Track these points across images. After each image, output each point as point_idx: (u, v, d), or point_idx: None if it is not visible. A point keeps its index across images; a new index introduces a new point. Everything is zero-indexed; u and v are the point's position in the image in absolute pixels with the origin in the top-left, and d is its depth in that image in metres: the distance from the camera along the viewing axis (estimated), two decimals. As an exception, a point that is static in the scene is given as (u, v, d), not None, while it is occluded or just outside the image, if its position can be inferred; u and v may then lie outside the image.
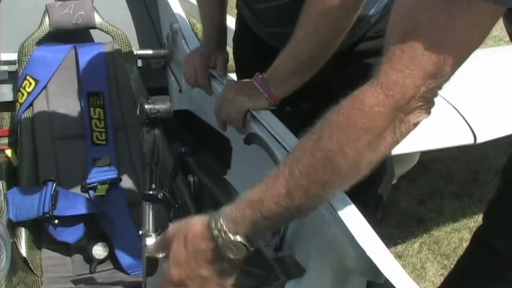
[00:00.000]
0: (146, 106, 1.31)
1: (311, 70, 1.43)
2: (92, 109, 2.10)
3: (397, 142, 0.94)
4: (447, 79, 0.91)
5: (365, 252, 1.06)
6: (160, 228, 1.44)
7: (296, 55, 1.41)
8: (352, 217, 1.15)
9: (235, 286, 1.09)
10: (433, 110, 2.26)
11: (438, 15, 0.85)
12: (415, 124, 0.93)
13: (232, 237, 0.99)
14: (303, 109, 1.72)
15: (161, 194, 1.39)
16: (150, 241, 1.41)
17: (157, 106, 1.32)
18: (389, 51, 0.89)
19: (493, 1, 0.82)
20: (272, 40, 1.65)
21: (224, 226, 0.99)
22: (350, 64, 1.61)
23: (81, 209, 1.85)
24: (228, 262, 1.03)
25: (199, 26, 3.97)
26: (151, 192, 1.39)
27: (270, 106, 1.49)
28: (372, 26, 1.60)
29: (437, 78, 0.90)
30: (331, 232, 1.18)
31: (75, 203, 1.85)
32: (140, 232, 1.43)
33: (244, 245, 1.00)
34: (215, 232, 1.00)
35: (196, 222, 1.04)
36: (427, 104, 0.93)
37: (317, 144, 0.95)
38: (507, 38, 4.30)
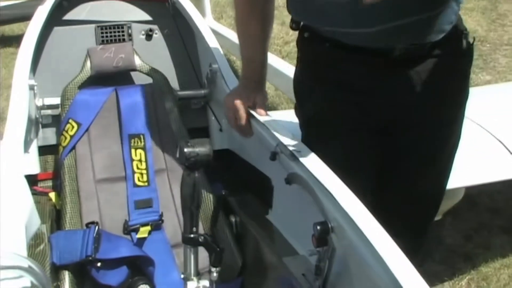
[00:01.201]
0: (185, 150, 1.32)
1: None
2: (133, 151, 2.11)
3: None
4: None
5: None
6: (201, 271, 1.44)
7: None
8: (395, 258, 1.13)
9: None
10: (478, 144, 2.24)
11: None
12: None
13: None
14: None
15: (202, 237, 1.39)
16: (192, 285, 1.40)
17: (197, 149, 1.32)
18: None
19: None
20: (373, 42, 1.59)
21: None
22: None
23: (123, 251, 1.84)
24: None
25: (239, 63, 4.01)
26: (192, 236, 1.38)
27: None
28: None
29: None
30: (373, 275, 1.16)
31: (117, 245, 1.85)
32: (182, 276, 1.42)
33: None
34: None
35: None
36: None
37: None
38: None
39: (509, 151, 2.35)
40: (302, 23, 1.74)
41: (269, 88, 4.17)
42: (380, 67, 1.61)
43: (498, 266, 2.78)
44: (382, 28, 1.53)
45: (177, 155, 1.36)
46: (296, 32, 1.80)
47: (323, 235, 1.34)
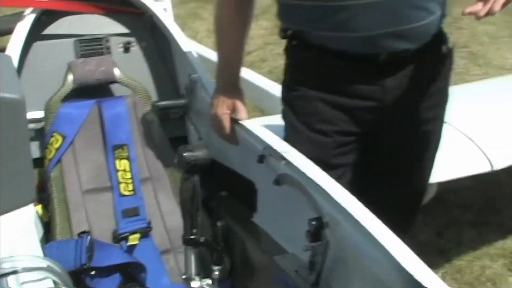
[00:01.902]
0: (185, 154, 1.37)
1: None
2: (118, 161, 2.15)
3: None
4: None
5: (412, 276, 1.10)
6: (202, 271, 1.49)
7: None
8: (395, 244, 1.20)
9: None
10: (447, 141, 2.34)
11: None
12: None
13: None
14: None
15: (203, 238, 1.44)
16: (195, 284, 1.45)
17: (196, 153, 1.38)
18: None
19: None
20: (362, 48, 1.67)
21: None
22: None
23: (117, 259, 1.88)
24: None
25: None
26: (192, 237, 1.44)
27: None
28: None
29: None
30: (372, 263, 1.23)
31: (111, 253, 1.89)
32: (184, 276, 1.47)
33: None
34: None
35: None
36: None
37: None
38: (508, 66, 4.37)
39: (477, 146, 2.46)
40: (290, 32, 1.79)
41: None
42: (366, 72, 1.69)
43: (470, 258, 2.88)
44: (373, 34, 1.61)
45: (176, 160, 1.41)
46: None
47: (318, 230, 1.40)
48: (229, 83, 1.91)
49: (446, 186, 2.58)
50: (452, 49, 1.81)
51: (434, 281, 1.10)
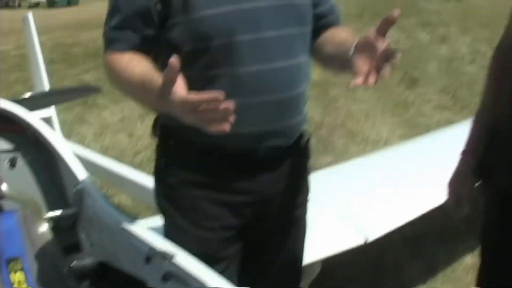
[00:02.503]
0: (72, 265, 1.47)
1: None
2: (12, 274, 2.20)
3: None
4: None
5: None
6: None
7: None
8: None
9: None
10: (326, 220, 2.51)
11: None
12: None
13: None
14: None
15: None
16: None
17: (83, 261, 1.48)
18: None
19: None
20: (239, 143, 1.78)
21: None
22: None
23: None
24: None
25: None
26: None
27: None
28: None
29: None
30: None
31: None
32: None
33: None
34: None
35: None
36: None
37: None
38: (383, 140, 4.68)
39: (350, 221, 2.67)
40: (165, 129, 1.86)
41: (126, 200, 4.34)
42: (244, 169, 1.83)
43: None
44: (255, 130, 1.77)
45: (65, 271, 1.50)
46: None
47: None
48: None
49: (329, 262, 2.75)
50: (308, 141, 2.00)
51: None
